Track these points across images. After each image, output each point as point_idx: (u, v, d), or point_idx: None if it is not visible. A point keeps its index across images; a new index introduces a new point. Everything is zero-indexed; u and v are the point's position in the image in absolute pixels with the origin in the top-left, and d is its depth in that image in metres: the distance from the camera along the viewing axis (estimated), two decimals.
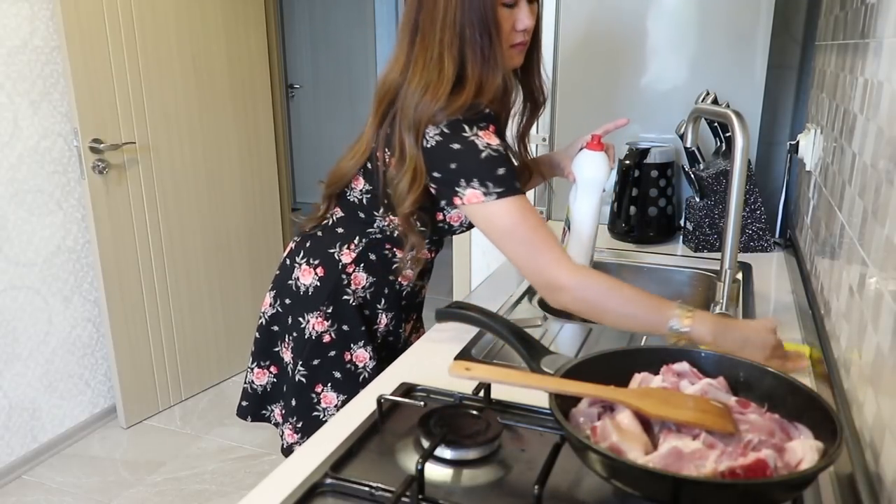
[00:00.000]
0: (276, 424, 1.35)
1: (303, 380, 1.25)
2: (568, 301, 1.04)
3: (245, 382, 1.38)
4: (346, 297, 1.23)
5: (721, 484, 0.62)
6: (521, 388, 0.78)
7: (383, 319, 1.27)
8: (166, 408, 2.79)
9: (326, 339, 1.23)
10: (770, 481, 0.63)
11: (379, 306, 1.26)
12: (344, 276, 1.22)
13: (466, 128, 1.05)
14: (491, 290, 1.45)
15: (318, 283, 1.23)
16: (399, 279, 1.26)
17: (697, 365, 0.82)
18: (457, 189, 1.05)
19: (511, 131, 1.26)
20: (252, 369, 1.35)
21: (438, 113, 1.04)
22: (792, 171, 1.74)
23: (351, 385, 1.23)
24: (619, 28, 1.79)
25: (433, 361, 1.08)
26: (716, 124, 1.71)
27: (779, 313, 1.30)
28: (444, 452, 0.78)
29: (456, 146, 1.05)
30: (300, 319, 1.24)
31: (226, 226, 2.92)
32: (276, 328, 1.30)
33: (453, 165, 1.05)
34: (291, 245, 1.30)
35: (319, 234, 1.26)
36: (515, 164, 1.15)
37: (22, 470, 2.39)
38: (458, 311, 1.08)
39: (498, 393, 0.89)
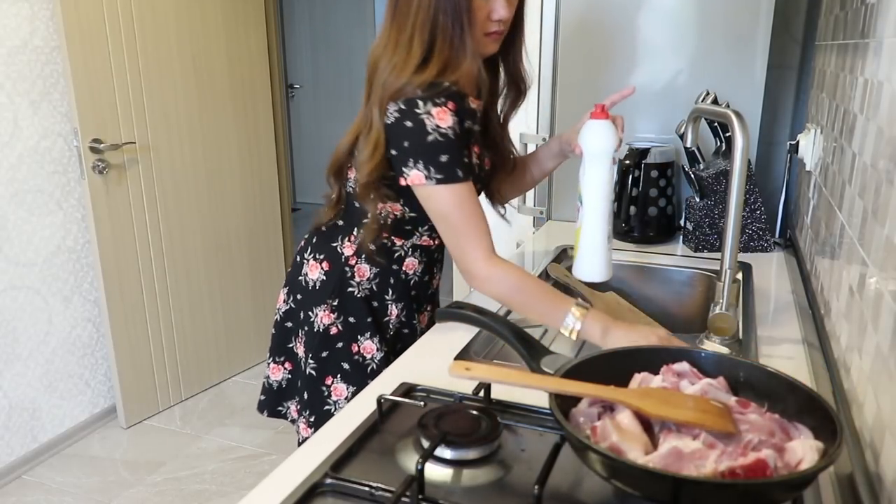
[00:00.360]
0: (293, 421, 1.37)
1: (313, 373, 1.27)
2: (480, 290, 1.14)
3: (263, 377, 1.40)
4: (350, 289, 1.25)
5: (721, 484, 0.62)
6: (521, 388, 0.78)
7: (393, 311, 1.28)
8: (166, 408, 2.79)
9: (333, 331, 1.26)
10: (770, 481, 0.63)
11: (387, 297, 1.27)
12: (347, 269, 1.25)
13: (420, 104, 1.08)
14: None
15: (325, 277, 1.26)
16: (404, 268, 1.27)
17: (697, 365, 0.82)
18: (404, 169, 1.10)
19: (494, 121, 1.28)
20: (269, 364, 1.37)
21: (402, 89, 1.09)
22: (792, 171, 1.74)
23: (359, 376, 1.25)
24: (620, 28, 1.79)
25: (433, 361, 1.08)
26: (716, 124, 1.71)
27: (779, 313, 1.30)
28: (444, 452, 0.78)
29: (408, 124, 1.08)
30: (310, 314, 1.27)
31: (226, 226, 2.92)
32: (289, 324, 1.33)
33: (405, 144, 1.09)
34: (302, 242, 1.34)
35: (324, 229, 1.29)
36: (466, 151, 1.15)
37: (22, 470, 2.39)
38: (458, 311, 1.08)
39: (498, 393, 0.89)
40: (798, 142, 1.54)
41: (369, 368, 1.26)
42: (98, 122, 2.37)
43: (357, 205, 1.23)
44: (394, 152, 1.11)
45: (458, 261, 1.14)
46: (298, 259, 1.32)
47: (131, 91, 2.47)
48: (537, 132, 1.95)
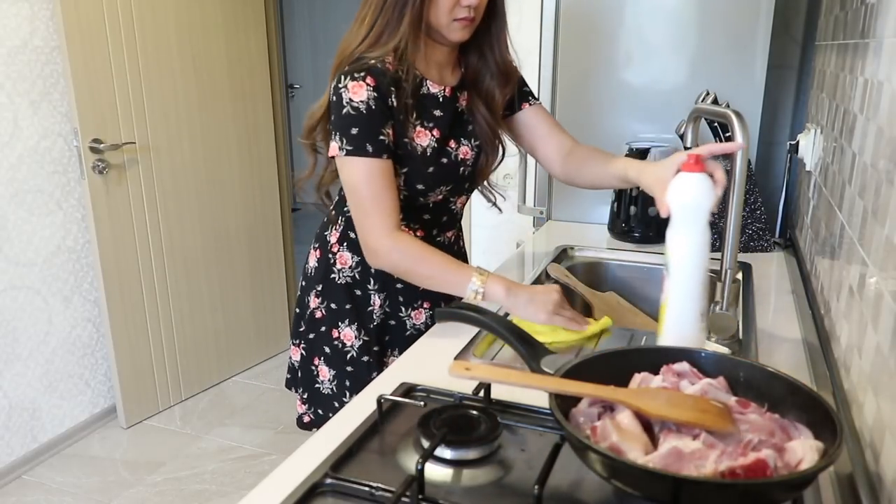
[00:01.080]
0: None
1: (303, 353, 1.34)
2: (382, 265, 1.18)
3: (289, 357, 1.45)
4: (332, 275, 1.30)
5: (721, 484, 0.62)
6: (521, 388, 0.78)
7: (376, 300, 1.29)
8: (166, 408, 2.79)
9: (318, 315, 1.31)
10: (770, 481, 0.63)
11: (369, 287, 1.29)
12: (331, 256, 1.30)
13: (341, 78, 1.12)
14: None
15: (316, 264, 1.33)
16: None
17: (697, 365, 0.82)
18: (331, 141, 1.15)
19: (482, 110, 1.27)
20: (290, 346, 1.43)
21: (339, 63, 1.16)
22: (792, 171, 1.74)
23: (338, 361, 1.29)
24: (620, 28, 1.79)
25: (433, 361, 1.08)
26: (716, 124, 1.71)
27: (779, 313, 1.30)
28: (444, 452, 0.78)
29: (334, 98, 1.14)
30: (307, 299, 1.33)
31: (226, 226, 2.92)
32: (298, 309, 1.39)
33: (332, 117, 1.15)
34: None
35: (325, 219, 1.36)
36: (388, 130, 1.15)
37: (22, 470, 2.39)
38: (458, 311, 1.08)
39: (498, 393, 0.89)
40: (798, 142, 1.54)
41: (349, 355, 1.29)
42: (98, 122, 2.37)
43: (341, 195, 1.29)
44: (329, 126, 1.17)
45: (361, 237, 1.17)
46: (310, 249, 1.38)
47: (131, 91, 2.47)
48: None
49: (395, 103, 1.14)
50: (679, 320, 0.99)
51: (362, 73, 1.11)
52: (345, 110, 1.11)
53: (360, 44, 1.14)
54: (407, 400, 0.90)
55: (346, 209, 1.26)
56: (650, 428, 0.73)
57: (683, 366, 0.81)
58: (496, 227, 2.37)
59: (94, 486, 2.32)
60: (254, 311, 3.10)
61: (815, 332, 1.18)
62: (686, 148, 1.58)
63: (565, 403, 0.74)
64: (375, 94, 1.11)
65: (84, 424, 2.60)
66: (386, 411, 0.89)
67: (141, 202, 2.56)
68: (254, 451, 2.51)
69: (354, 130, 1.11)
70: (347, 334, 1.29)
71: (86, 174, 2.36)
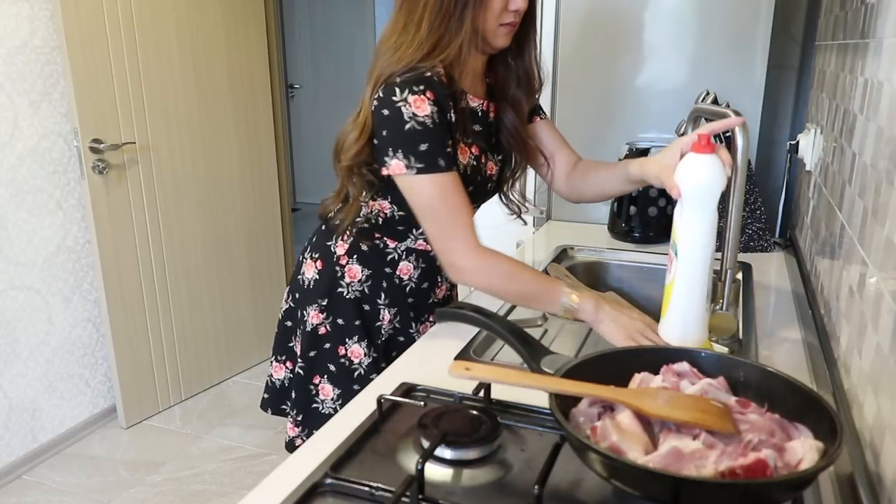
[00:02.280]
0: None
1: (301, 371, 1.27)
2: (469, 283, 1.13)
3: (267, 375, 1.39)
4: (340, 289, 1.23)
5: (721, 484, 0.62)
6: (521, 388, 0.78)
7: (386, 315, 1.25)
8: (166, 408, 2.79)
9: (322, 331, 1.24)
10: (770, 481, 0.63)
11: (379, 301, 1.24)
12: (338, 269, 1.23)
13: (398, 91, 1.05)
14: None
15: (317, 277, 1.25)
16: (398, 272, 1.24)
17: (697, 365, 0.82)
18: (385, 158, 1.07)
19: (510, 118, 1.24)
20: (272, 363, 1.37)
21: (394, 73, 1.06)
22: (792, 171, 1.74)
23: (344, 379, 1.23)
24: (620, 28, 1.79)
25: (433, 361, 1.08)
26: None
27: (779, 313, 1.30)
28: (444, 452, 0.78)
29: (386, 112, 1.06)
30: (304, 313, 1.26)
31: (226, 226, 2.92)
32: (289, 323, 1.32)
33: (384, 133, 1.07)
34: (306, 241, 1.33)
35: (323, 227, 1.28)
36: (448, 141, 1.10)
37: (22, 470, 2.39)
38: (458, 311, 1.08)
39: (498, 393, 0.89)
40: (798, 142, 1.54)
41: (356, 373, 1.23)
42: (98, 122, 2.37)
43: (350, 202, 1.21)
44: (375, 141, 1.09)
45: (442, 254, 1.11)
46: (301, 258, 1.31)
47: (131, 91, 2.47)
48: None
49: (453, 118, 1.10)
50: (685, 302, 0.99)
51: (422, 87, 1.04)
52: (408, 126, 1.04)
53: (399, 50, 1.07)
54: (407, 400, 0.90)
55: (358, 220, 1.20)
56: (650, 428, 0.73)
57: (683, 366, 0.81)
58: (496, 227, 2.37)
59: (94, 486, 2.32)
60: (254, 311, 3.10)
61: (815, 332, 1.18)
62: None
63: (565, 403, 0.74)
64: (436, 108, 1.05)
65: (84, 424, 2.60)
66: (386, 411, 0.89)
67: (141, 202, 2.56)
68: (254, 451, 2.51)
69: (423, 147, 1.05)
70: (356, 351, 1.23)
71: (86, 174, 2.36)
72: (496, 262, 1.10)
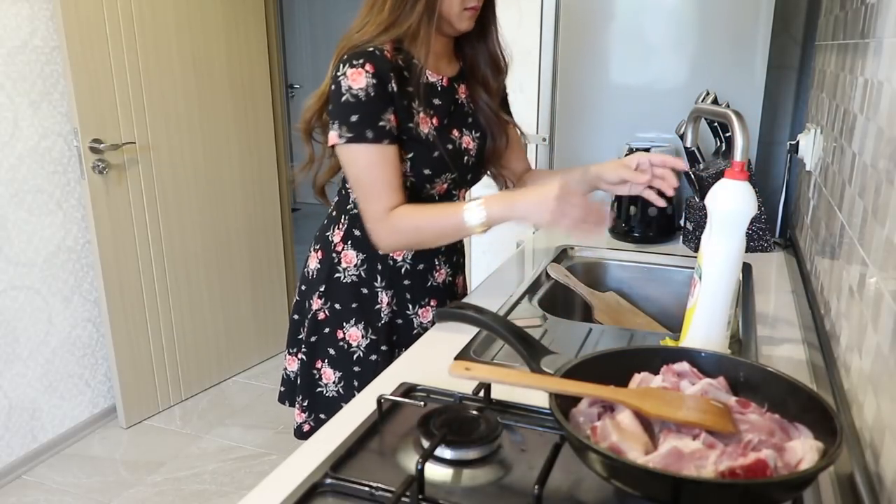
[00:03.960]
0: None
1: (304, 357, 1.31)
2: (386, 246, 1.20)
3: (282, 368, 1.43)
4: (337, 274, 1.28)
5: (721, 484, 0.62)
6: (521, 388, 0.78)
7: (384, 298, 1.28)
8: (166, 408, 2.79)
9: (321, 316, 1.29)
10: (770, 481, 0.63)
11: (376, 284, 1.28)
12: (335, 255, 1.29)
13: (340, 66, 1.12)
14: (491, 290, 1.45)
15: (319, 266, 1.31)
16: (391, 254, 1.28)
17: (697, 365, 0.82)
18: (331, 130, 1.14)
19: (483, 97, 1.30)
20: (285, 356, 1.41)
21: (347, 49, 1.14)
22: (792, 171, 1.74)
23: (344, 362, 1.28)
24: (620, 28, 1.79)
25: (433, 361, 1.08)
26: (716, 124, 1.71)
27: (779, 313, 1.30)
28: (444, 452, 0.78)
29: (332, 87, 1.13)
30: (309, 302, 1.31)
31: (226, 226, 2.92)
32: (296, 316, 1.36)
33: (330, 106, 1.14)
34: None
35: (325, 221, 1.34)
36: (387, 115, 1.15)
37: (22, 470, 2.39)
38: (458, 311, 1.08)
39: (498, 393, 0.89)
40: (798, 142, 1.54)
41: (355, 356, 1.28)
42: (98, 122, 2.37)
43: (343, 192, 1.28)
44: (327, 116, 1.16)
45: (364, 219, 1.19)
46: (309, 252, 1.36)
47: (131, 91, 2.47)
48: (537, 132, 1.95)
49: (394, 89, 1.14)
50: (707, 327, 0.98)
51: (361, 60, 1.11)
52: (344, 98, 1.11)
53: (362, 29, 1.15)
54: (407, 400, 0.90)
55: (349, 207, 1.27)
56: (650, 428, 0.73)
57: (683, 366, 0.81)
58: (496, 226, 2.36)
59: (94, 486, 2.32)
60: (254, 312, 3.10)
61: (815, 332, 1.18)
62: (686, 148, 1.59)
63: (565, 403, 0.74)
64: (374, 81, 1.11)
65: (84, 424, 2.60)
66: (386, 411, 0.89)
67: (141, 202, 2.56)
68: (254, 451, 2.51)
69: (354, 118, 1.11)
70: (353, 334, 1.28)
71: (86, 174, 2.36)
72: (401, 219, 1.15)
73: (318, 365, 1.30)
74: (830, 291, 1.13)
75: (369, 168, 1.14)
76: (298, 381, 1.33)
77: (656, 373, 0.80)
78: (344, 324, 1.28)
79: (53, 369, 2.47)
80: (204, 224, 2.82)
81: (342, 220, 1.29)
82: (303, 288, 1.35)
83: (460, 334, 1.15)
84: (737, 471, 0.63)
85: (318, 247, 1.32)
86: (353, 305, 1.27)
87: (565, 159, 1.90)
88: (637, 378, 0.80)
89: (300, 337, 1.35)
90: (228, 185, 2.90)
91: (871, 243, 0.85)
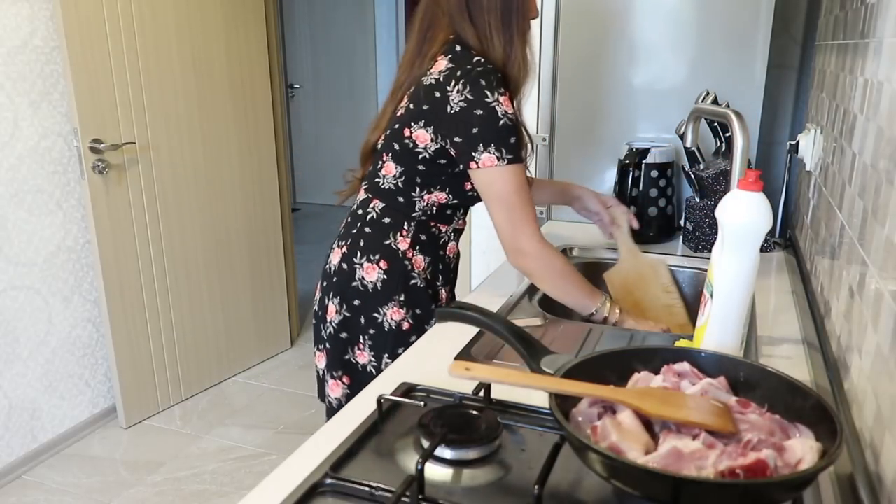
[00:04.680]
0: None
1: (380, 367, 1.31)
2: (525, 270, 1.26)
3: (326, 396, 1.40)
4: (413, 281, 1.30)
5: (721, 484, 0.62)
6: (521, 388, 0.78)
7: (443, 294, 1.39)
8: (166, 408, 2.79)
9: (406, 326, 1.30)
10: (770, 481, 0.63)
11: (438, 283, 1.36)
12: (406, 263, 1.29)
13: (489, 93, 1.19)
14: (491, 290, 1.45)
15: (385, 276, 1.29)
16: (448, 253, 1.36)
17: (698, 365, 0.82)
18: (479, 153, 1.20)
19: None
20: (327, 382, 1.38)
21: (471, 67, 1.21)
22: (792, 171, 1.74)
23: None
24: (620, 28, 1.79)
25: (433, 361, 1.08)
26: (716, 124, 1.71)
27: (779, 313, 1.30)
28: (444, 452, 0.78)
29: (482, 112, 1.19)
30: (376, 315, 1.29)
31: (226, 226, 2.92)
32: (344, 335, 1.32)
33: (477, 130, 1.20)
34: (341, 250, 1.33)
35: (368, 230, 1.30)
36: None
37: (22, 470, 2.39)
38: (458, 311, 1.08)
39: (498, 393, 0.89)
40: (798, 142, 1.53)
41: None
42: (98, 122, 2.37)
43: (401, 199, 1.28)
44: (458, 139, 1.20)
45: (510, 240, 1.23)
46: (345, 266, 1.31)
47: (131, 91, 2.47)
48: (537, 132, 1.95)
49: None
50: (718, 347, 0.95)
51: (502, 89, 1.19)
52: (502, 122, 1.17)
53: (487, 48, 1.21)
54: (407, 400, 0.90)
55: (415, 214, 1.29)
56: (650, 428, 0.73)
57: (683, 366, 0.81)
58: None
59: (94, 486, 2.32)
60: (254, 312, 3.10)
61: (815, 332, 1.18)
62: (686, 148, 1.59)
63: (565, 403, 0.74)
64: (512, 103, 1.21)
65: (84, 424, 2.60)
66: (386, 411, 0.89)
67: (141, 202, 2.56)
68: (254, 451, 2.51)
69: (513, 140, 1.18)
70: None
71: (86, 174, 2.36)
72: (556, 255, 1.24)
73: None
74: (830, 291, 1.13)
75: (520, 188, 1.20)
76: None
77: (656, 373, 0.80)
78: (425, 327, 1.31)
79: (53, 369, 2.47)
80: (204, 224, 2.82)
81: (406, 227, 1.29)
82: (356, 304, 1.30)
83: (460, 334, 1.15)
84: (737, 471, 0.63)
85: (376, 257, 1.28)
86: (432, 307, 1.32)
87: (565, 159, 1.90)
88: (637, 378, 0.80)
89: (347, 357, 1.33)
90: (228, 185, 2.90)
91: (871, 243, 0.85)
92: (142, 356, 2.66)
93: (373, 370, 1.31)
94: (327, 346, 1.35)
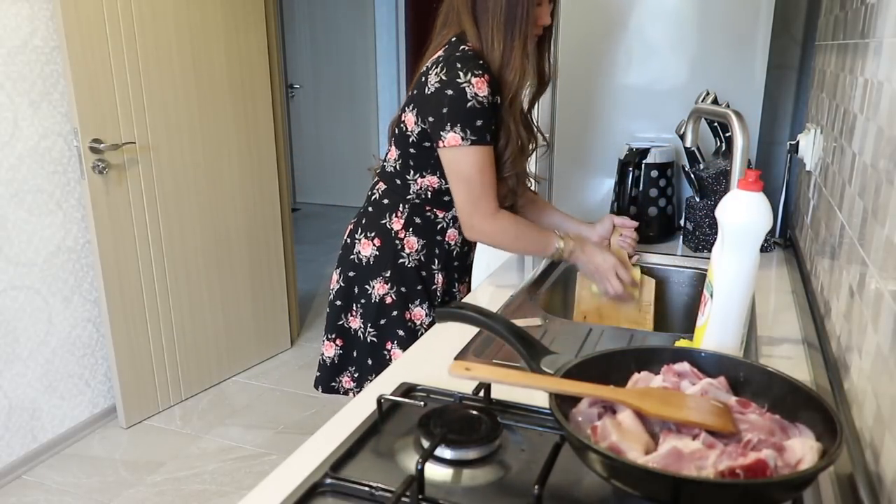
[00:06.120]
0: (345, 392, 1.48)
1: (374, 340, 1.39)
2: (481, 240, 1.36)
3: (319, 355, 1.51)
4: (401, 260, 1.37)
5: (721, 484, 0.62)
6: (521, 388, 0.78)
7: (439, 279, 1.42)
8: (166, 408, 2.79)
9: (388, 300, 1.37)
10: (770, 481, 0.63)
11: (434, 267, 1.40)
12: (398, 242, 1.37)
13: (461, 74, 1.22)
14: (491, 290, 1.45)
15: (378, 252, 1.39)
16: (446, 239, 1.42)
17: (698, 365, 0.82)
18: (449, 132, 1.24)
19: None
20: (323, 342, 1.49)
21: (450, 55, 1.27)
22: (792, 171, 1.74)
23: (412, 341, 1.34)
24: (620, 28, 1.79)
25: (433, 361, 1.08)
26: (716, 124, 1.71)
27: (779, 313, 1.30)
28: (444, 452, 0.78)
29: (452, 92, 1.23)
30: (366, 287, 1.39)
31: (225, 226, 2.92)
32: (339, 302, 1.43)
33: (447, 109, 1.24)
34: (350, 226, 1.46)
35: (370, 209, 1.41)
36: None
37: (22, 470, 2.39)
38: (458, 311, 1.08)
39: (498, 393, 0.89)
40: (798, 142, 1.53)
41: (419, 333, 1.37)
42: (98, 122, 2.37)
43: (399, 182, 1.36)
44: (431, 119, 1.25)
45: (468, 218, 1.30)
46: (349, 241, 1.44)
47: (131, 91, 2.47)
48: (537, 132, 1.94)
49: (498, 101, 1.28)
50: (718, 347, 0.94)
51: (480, 72, 1.22)
52: (470, 104, 1.21)
53: (481, 40, 1.26)
54: (407, 400, 0.90)
55: (409, 196, 1.36)
56: (650, 428, 0.73)
57: (684, 366, 0.81)
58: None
59: (94, 486, 2.32)
60: (254, 311, 3.10)
61: (815, 332, 1.18)
62: (686, 148, 1.59)
63: (565, 403, 0.74)
64: (491, 90, 1.24)
65: (84, 424, 2.60)
66: (386, 411, 0.89)
67: (141, 202, 2.56)
68: (254, 451, 2.51)
69: (479, 122, 1.22)
70: (418, 314, 1.39)
71: (86, 174, 2.36)
72: (509, 224, 1.32)
73: (389, 346, 1.39)
74: (830, 291, 1.13)
75: (485, 169, 1.26)
76: (369, 362, 1.40)
77: (656, 373, 0.80)
78: (410, 305, 1.38)
79: (53, 369, 2.47)
80: (204, 224, 2.82)
81: (401, 209, 1.37)
82: (351, 274, 1.41)
83: (460, 334, 1.15)
84: (737, 471, 0.63)
85: (371, 234, 1.39)
86: (418, 287, 1.38)
87: (565, 159, 1.90)
88: (637, 378, 0.80)
89: (341, 323, 1.42)
90: (228, 185, 2.90)
91: (871, 243, 0.85)
92: (142, 356, 2.66)
93: (362, 335, 1.41)
94: (327, 310, 1.47)
